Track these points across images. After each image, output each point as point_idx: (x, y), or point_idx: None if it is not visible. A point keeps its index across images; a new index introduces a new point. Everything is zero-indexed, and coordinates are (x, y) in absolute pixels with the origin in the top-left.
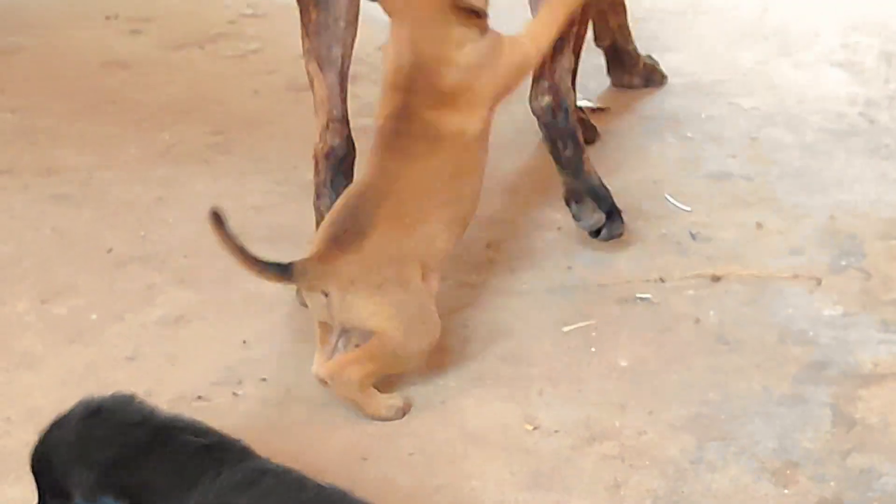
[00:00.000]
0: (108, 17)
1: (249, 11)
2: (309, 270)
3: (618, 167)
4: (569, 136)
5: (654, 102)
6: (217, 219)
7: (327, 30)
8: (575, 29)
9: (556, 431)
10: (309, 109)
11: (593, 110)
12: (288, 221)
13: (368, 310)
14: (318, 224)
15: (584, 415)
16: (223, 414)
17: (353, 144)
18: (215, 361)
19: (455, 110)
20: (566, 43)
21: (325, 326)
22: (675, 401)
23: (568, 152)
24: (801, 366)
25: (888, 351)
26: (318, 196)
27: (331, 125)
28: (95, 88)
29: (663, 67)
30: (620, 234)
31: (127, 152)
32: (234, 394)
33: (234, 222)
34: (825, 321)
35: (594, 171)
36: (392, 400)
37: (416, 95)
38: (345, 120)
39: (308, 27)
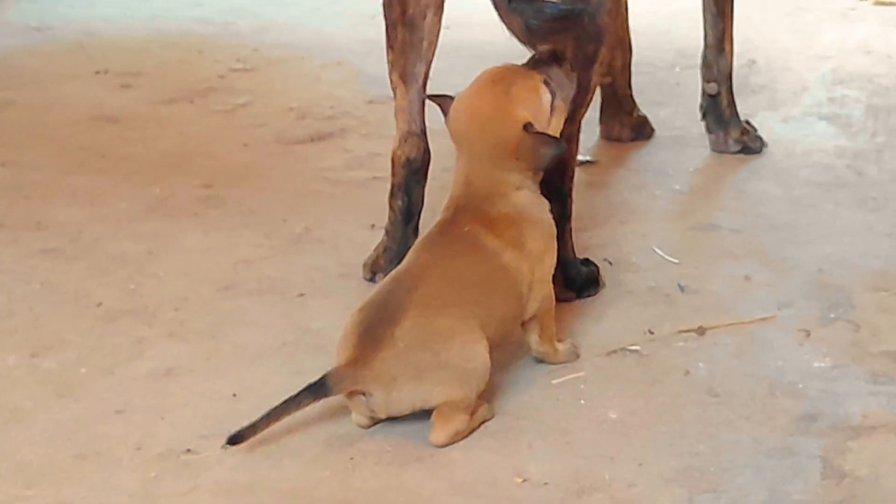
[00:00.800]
0: (98, 72)
1: (239, 66)
2: (346, 378)
3: (606, 219)
4: (559, 200)
5: (642, 155)
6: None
7: (413, 48)
8: (588, 98)
9: (546, 484)
10: (298, 162)
11: (582, 163)
12: (277, 274)
13: (416, 401)
14: (390, 221)
15: (573, 467)
16: (211, 467)
17: (430, 154)
18: (204, 414)
19: (495, 234)
20: (576, 109)
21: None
22: (665, 453)
23: (554, 215)
24: (791, 418)
25: (878, 403)
26: (392, 195)
27: (409, 138)
28: (86, 143)
29: (651, 120)
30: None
31: (117, 206)
32: (223, 447)
33: (223, 276)
34: (815, 373)
35: (572, 245)
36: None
37: (467, 212)
38: (423, 133)
39: (394, 43)
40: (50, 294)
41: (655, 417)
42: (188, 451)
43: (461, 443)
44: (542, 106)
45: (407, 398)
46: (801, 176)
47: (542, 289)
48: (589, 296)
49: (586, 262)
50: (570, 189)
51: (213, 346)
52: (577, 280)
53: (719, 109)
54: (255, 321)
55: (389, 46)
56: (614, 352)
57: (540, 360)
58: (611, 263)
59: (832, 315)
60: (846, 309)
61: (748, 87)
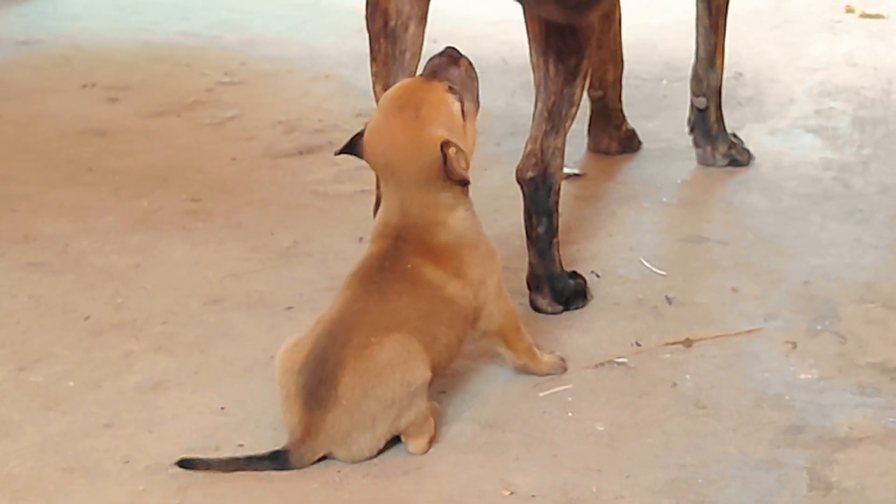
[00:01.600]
0: (85, 86)
1: (227, 79)
2: (305, 452)
3: (594, 232)
4: (545, 215)
5: (629, 168)
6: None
7: (395, 60)
8: (573, 111)
9: (533, 496)
10: (286, 176)
11: (570, 176)
12: (265, 287)
13: (376, 444)
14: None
15: (560, 480)
16: (199, 480)
17: None
18: (192, 428)
19: (437, 266)
20: (561, 123)
21: None
22: (653, 465)
23: (540, 229)
24: (778, 430)
25: (864, 415)
26: (378, 208)
27: None
28: (73, 156)
29: (639, 133)
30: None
31: (104, 220)
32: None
33: (211, 289)
34: (801, 385)
35: (559, 258)
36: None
37: (406, 243)
38: None
39: (377, 55)
40: (37, 307)
41: (643, 429)
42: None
43: (449, 456)
44: (453, 116)
45: (367, 446)
46: (788, 188)
47: (497, 307)
48: (576, 308)
49: (574, 274)
50: (556, 203)
51: (201, 359)
52: (564, 292)
53: (707, 124)
54: (242, 335)
55: (373, 58)
56: (602, 364)
57: (522, 372)
58: (598, 276)
59: (819, 327)
60: (833, 321)
61: (735, 100)
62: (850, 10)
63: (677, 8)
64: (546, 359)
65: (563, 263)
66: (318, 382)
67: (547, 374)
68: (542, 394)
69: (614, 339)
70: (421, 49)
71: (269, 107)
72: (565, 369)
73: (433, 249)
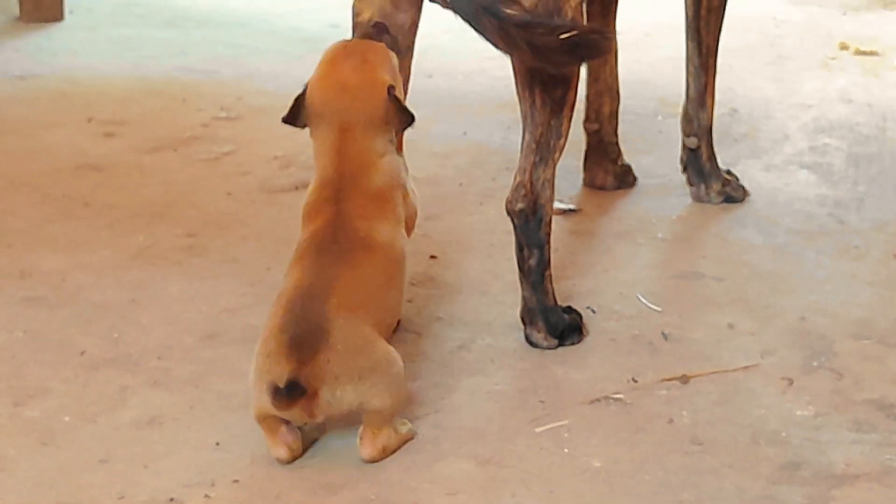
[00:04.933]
0: (81, 120)
1: (223, 114)
2: (299, 378)
3: (589, 268)
4: (536, 246)
5: (625, 203)
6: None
7: None
8: (562, 142)
9: None
10: (282, 211)
11: (565, 211)
12: (261, 322)
13: (355, 401)
14: None
15: None
16: None
17: None
18: (188, 463)
19: (383, 219)
20: (550, 154)
21: (276, 420)
22: (649, 502)
23: (532, 262)
24: (775, 466)
25: (860, 451)
26: None
27: None
28: (69, 191)
29: (634, 169)
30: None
31: (100, 254)
32: (207, 496)
33: (207, 324)
34: (797, 421)
35: (552, 291)
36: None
37: (348, 204)
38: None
39: None
40: (33, 342)
41: (639, 466)
42: (171, 500)
43: (446, 491)
44: (395, 70)
45: (349, 397)
46: (783, 224)
47: (411, 209)
48: (572, 344)
49: (569, 309)
50: (548, 235)
51: (196, 394)
52: (559, 326)
53: (699, 163)
54: (238, 370)
55: None
56: (598, 400)
57: None
58: (594, 311)
59: (815, 363)
60: (829, 357)
61: (730, 136)
62: (844, 46)
63: (671, 45)
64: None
65: (559, 299)
66: (306, 333)
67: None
68: (538, 429)
69: (610, 375)
70: (409, 80)
71: (265, 142)
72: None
73: (372, 198)
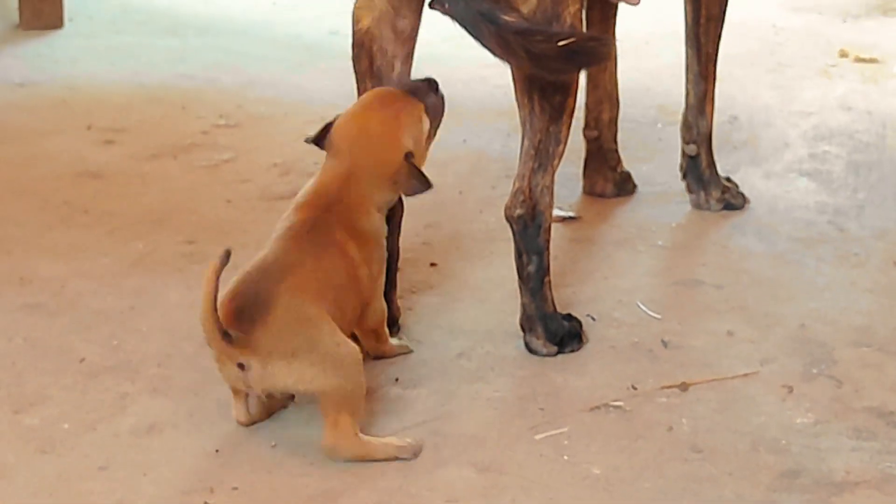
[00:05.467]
0: (81, 128)
1: (222, 122)
2: (237, 344)
3: (589, 275)
4: (535, 253)
5: (625, 211)
6: (225, 257)
7: None
8: (561, 149)
9: None
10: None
11: (564, 219)
12: None
13: (289, 379)
14: None
15: None
16: None
17: (403, 205)
18: (187, 470)
19: (358, 249)
20: (549, 161)
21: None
22: None
23: (531, 268)
24: (775, 474)
25: (860, 459)
26: None
27: None
28: (69, 198)
29: (634, 176)
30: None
31: (100, 262)
32: (206, 503)
33: None
34: (797, 429)
35: (552, 298)
36: (401, 442)
37: (333, 216)
38: None
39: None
40: (32, 350)
41: (639, 473)
42: None
43: (447, 498)
44: (421, 135)
45: (281, 374)
46: (783, 232)
47: (377, 305)
48: (572, 351)
49: (569, 317)
50: (547, 241)
51: (196, 402)
52: (558, 333)
53: (699, 170)
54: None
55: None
56: (597, 407)
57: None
58: (594, 319)
59: (815, 371)
60: (828, 365)
61: (730, 144)
62: (843, 54)
63: (671, 52)
64: (393, 342)
65: (559, 306)
66: (249, 306)
67: (393, 356)
68: (537, 437)
69: (610, 383)
70: None
71: (265, 149)
72: (410, 351)
73: (356, 232)
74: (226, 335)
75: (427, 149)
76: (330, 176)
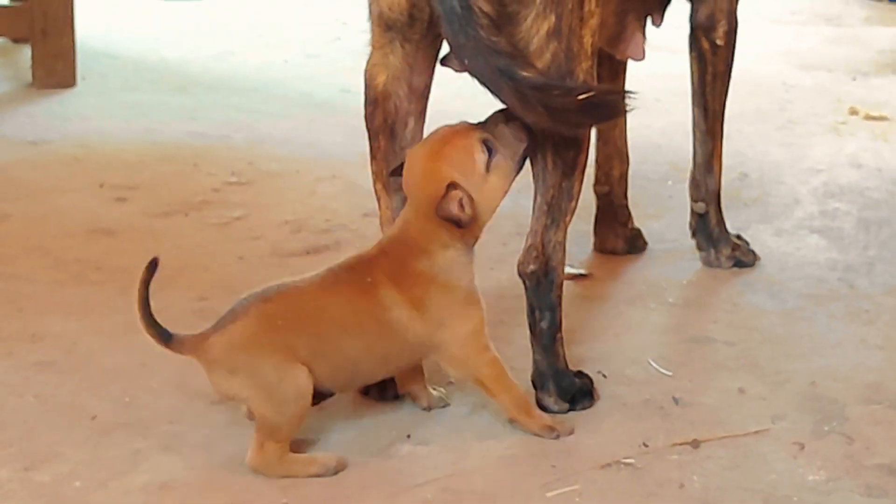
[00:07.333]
0: (94, 185)
1: (234, 179)
2: (185, 344)
3: (601, 332)
4: (548, 309)
5: (636, 268)
6: (152, 266)
7: (395, 157)
8: (573, 204)
9: None
10: (293, 275)
11: (575, 276)
12: None
13: (228, 390)
14: None
15: None
16: None
17: None
18: None
19: (399, 292)
20: (561, 216)
21: None
22: None
23: (543, 324)
24: None
25: None
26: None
27: None
28: (81, 255)
29: (644, 233)
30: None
31: (112, 319)
32: None
33: None
34: (809, 487)
35: (564, 355)
36: (323, 458)
37: (384, 257)
38: None
39: (376, 153)
40: (44, 406)
41: None
42: None
43: None
44: (474, 165)
45: (224, 384)
46: (793, 288)
47: (474, 356)
48: (583, 408)
49: (580, 374)
50: (559, 297)
51: (207, 459)
52: (570, 390)
53: (708, 228)
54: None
55: (372, 157)
56: (609, 465)
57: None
58: (605, 376)
59: (826, 428)
60: (840, 422)
61: (740, 201)
62: (853, 111)
63: (682, 110)
64: (538, 418)
65: (570, 363)
66: (228, 315)
67: (536, 434)
68: (549, 494)
69: (621, 440)
70: None
71: (276, 206)
72: (556, 435)
73: (404, 272)
74: (163, 334)
75: (497, 179)
76: (402, 212)
